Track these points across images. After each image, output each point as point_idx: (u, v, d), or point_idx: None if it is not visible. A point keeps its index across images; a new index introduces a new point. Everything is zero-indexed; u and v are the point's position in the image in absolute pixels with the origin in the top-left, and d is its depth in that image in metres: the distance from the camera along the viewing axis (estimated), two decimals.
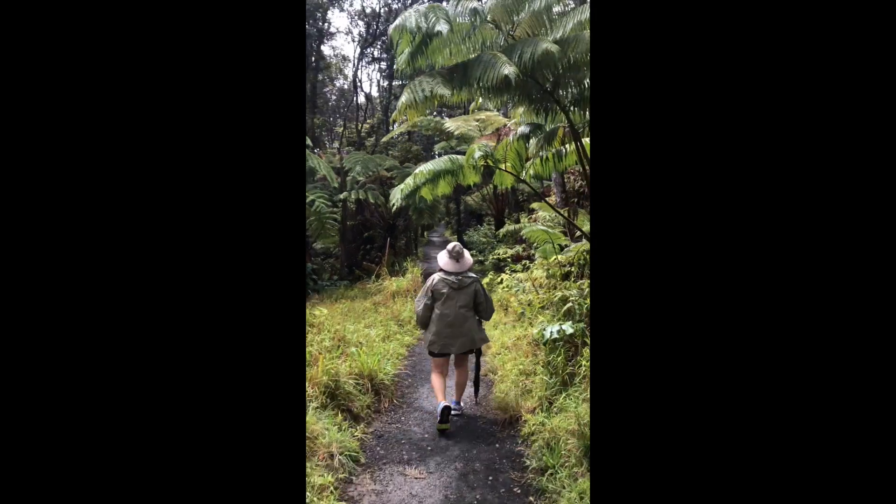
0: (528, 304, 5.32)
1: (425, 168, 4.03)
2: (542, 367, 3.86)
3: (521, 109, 4.17)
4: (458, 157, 4.17)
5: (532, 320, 5.11)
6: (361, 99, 21.39)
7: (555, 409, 3.36)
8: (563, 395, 3.39)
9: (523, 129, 4.06)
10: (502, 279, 7.68)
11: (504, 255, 8.64)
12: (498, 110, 10.50)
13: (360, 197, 11.58)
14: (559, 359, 3.61)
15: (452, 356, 3.57)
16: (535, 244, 8.37)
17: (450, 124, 10.27)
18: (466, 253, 3.51)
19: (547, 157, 4.50)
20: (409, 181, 4.11)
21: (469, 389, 3.89)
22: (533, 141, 4.15)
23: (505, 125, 10.35)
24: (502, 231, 9.24)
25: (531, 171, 4.64)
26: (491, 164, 4.18)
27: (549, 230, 4.86)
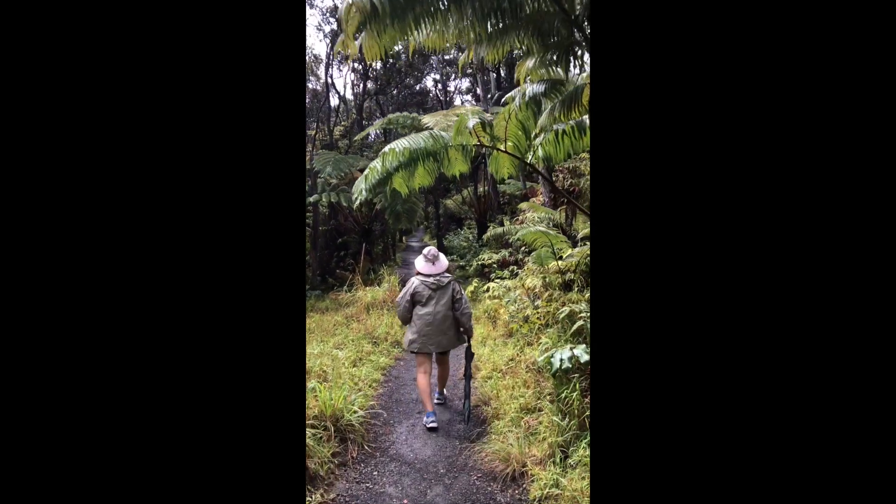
0: (525, 320, 4.56)
1: (398, 146, 3.00)
2: (551, 402, 3.10)
3: (529, 63, 3.10)
4: (442, 133, 3.22)
5: (531, 339, 4.35)
6: (335, 101, 20.51)
7: (572, 463, 2.60)
8: (583, 442, 2.63)
9: (535, 88, 2.97)
10: (489, 287, 6.93)
11: (489, 261, 7.89)
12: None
13: (332, 200, 10.70)
14: (574, 394, 2.85)
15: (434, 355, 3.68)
16: (522, 248, 7.64)
17: (427, 119, 9.51)
18: (442, 255, 3.62)
19: (564, 131, 3.33)
20: (377, 165, 3.16)
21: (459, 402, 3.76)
22: (545, 114, 3.15)
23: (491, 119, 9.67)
24: (487, 235, 8.51)
25: (539, 153, 3.58)
26: (485, 142, 3.26)
27: (549, 231, 4.10)
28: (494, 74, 15.14)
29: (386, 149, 2.98)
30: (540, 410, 3.19)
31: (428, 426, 3.43)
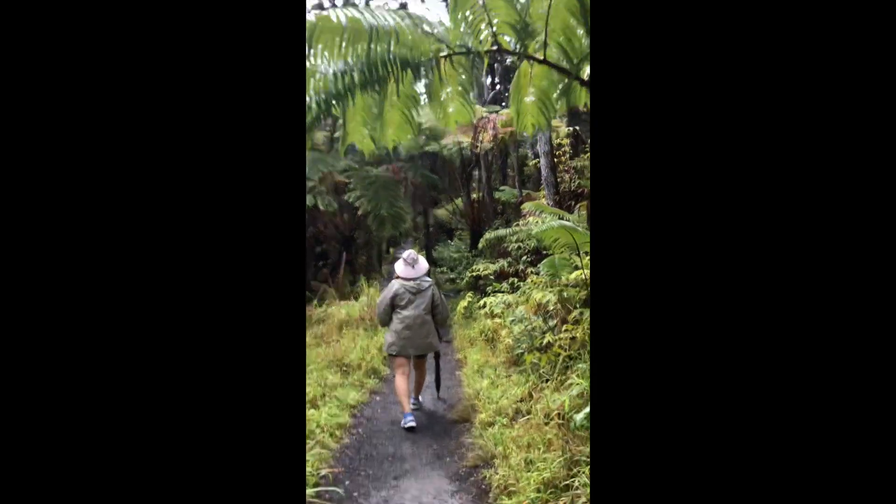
0: (543, 349, 3.51)
1: (334, 17, 1.46)
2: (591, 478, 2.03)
3: None
4: (428, 28, 1.84)
5: (549, 373, 3.28)
6: None
7: None
8: None
9: None
10: (485, 303, 5.87)
11: (485, 272, 6.83)
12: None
13: (308, 203, 9.62)
14: None
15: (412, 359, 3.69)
16: (524, 258, 6.62)
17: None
18: (421, 259, 3.65)
19: None
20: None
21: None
22: None
23: (485, 116, 8.65)
24: (483, 240, 7.47)
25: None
26: (506, 43, 1.85)
27: (578, 228, 3.07)
28: (488, 79, 14.24)
29: (311, 16, 1.64)
30: (575, 490, 2.11)
31: (406, 426, 3.41)
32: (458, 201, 14.32)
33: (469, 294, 6.46)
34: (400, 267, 3.61)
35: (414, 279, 3.53)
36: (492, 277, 6.68)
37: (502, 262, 6.78)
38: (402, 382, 3.49)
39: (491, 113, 8.09)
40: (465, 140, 8.77)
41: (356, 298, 6.58)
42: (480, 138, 8.56)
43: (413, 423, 3.39)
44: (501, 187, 14.20)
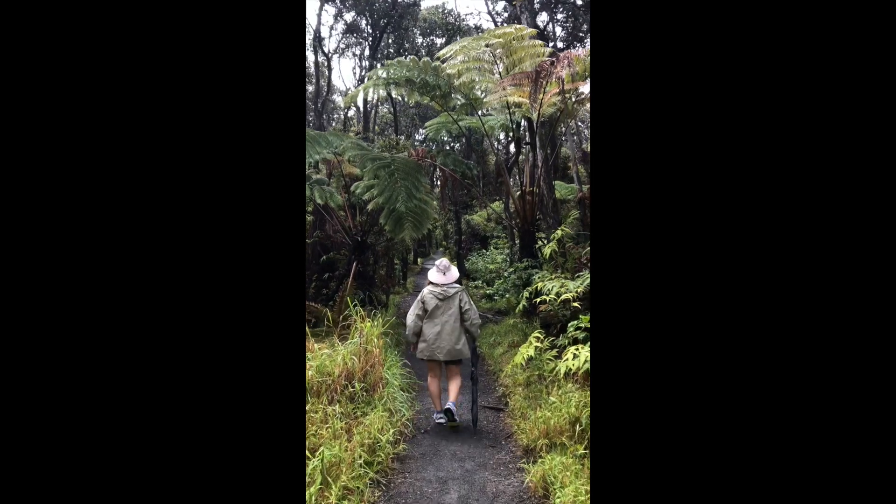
0: None
1: None
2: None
3: None
4: None
5: None
6: (351, 112, 17.28)
7: None
8: None
9: None
10: (576, 353, 3.14)
11: (555, 294, 4.07)
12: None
13: (307, 194, 7.13)
14: None
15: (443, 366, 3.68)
16: None
17: (448, 53, 5.89)
18: (453, 268, 3.73)
19: None
20: None
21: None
22: None
23: (553, 55, 5.87)
24: (553, 241, 4.71)
25: None
26: None
27: None
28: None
29: None
30: None
31: (437, 421, 3.53)
32: (497, 204, 11.63)
33: (535, 335, 3.70)
34: (432, 274, 3.66)
35: (442, 285, 3.58)
36: (576, 303, 3.90)
37: (589, 278, 4.00)
38: (434, 385, 3.59)
39: (561, 52, 5.36)
40: (518, 100, 6.05)
41: (342, 339, 3.91)
42: (539, 97, 5.86)
43: (443, 420, 3.46)
44: (555, 181, 11.35)
